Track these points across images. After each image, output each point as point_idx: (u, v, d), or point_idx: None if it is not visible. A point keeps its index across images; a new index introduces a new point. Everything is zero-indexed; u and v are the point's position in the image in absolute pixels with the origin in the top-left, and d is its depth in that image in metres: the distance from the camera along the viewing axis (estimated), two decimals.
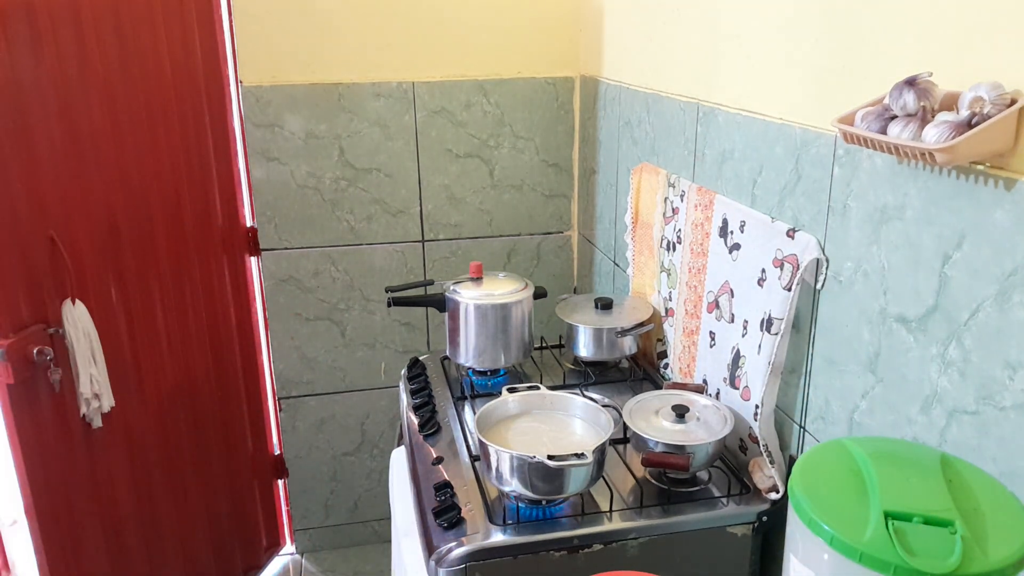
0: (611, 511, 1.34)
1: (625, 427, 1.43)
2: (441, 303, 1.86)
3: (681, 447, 1.35)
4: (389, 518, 1.90)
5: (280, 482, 2.64)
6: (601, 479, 1.37)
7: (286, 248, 2.39)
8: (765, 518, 1.35)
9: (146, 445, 2.01)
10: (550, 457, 1.25)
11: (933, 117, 0.93)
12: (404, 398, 1.87)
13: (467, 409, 1.72)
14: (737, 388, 1.47)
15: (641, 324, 1.81)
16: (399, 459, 1.77)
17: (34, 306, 1.64)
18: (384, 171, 2.39)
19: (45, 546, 1.69)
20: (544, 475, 1.27)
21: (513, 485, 1.30)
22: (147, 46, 1.92)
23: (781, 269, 1.31)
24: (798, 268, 1.27)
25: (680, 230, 1.69)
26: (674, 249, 1.73)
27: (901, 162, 1.06)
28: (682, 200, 1.67)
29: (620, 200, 2.13)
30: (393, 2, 2.26)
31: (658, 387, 1.69)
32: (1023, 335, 0.90)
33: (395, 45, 2.29)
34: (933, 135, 0.89)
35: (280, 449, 2.60)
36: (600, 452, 1.31)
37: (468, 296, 1.81)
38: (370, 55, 2.29)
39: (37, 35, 1.61)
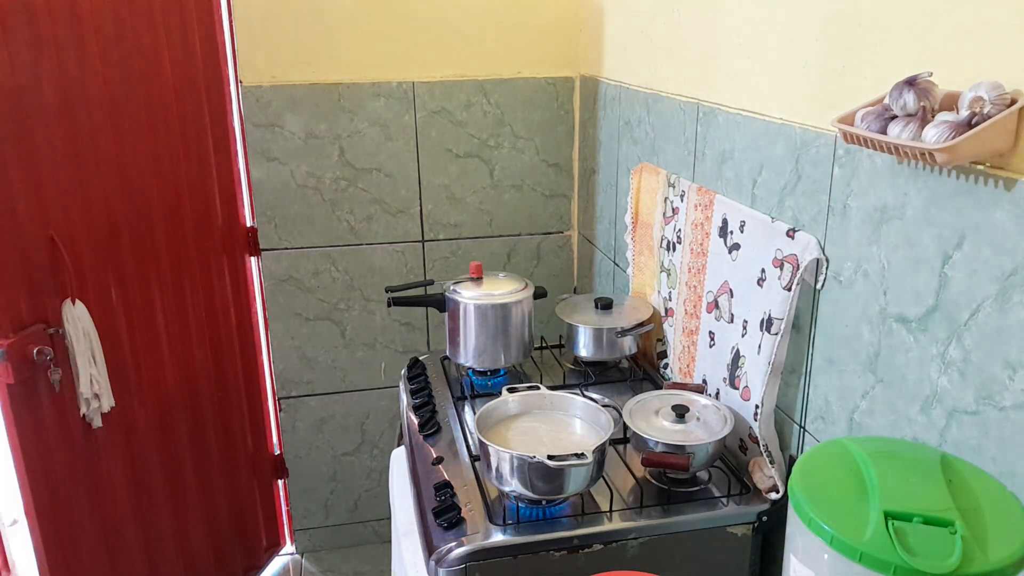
0: (611, 511, 1.34)
1: (625, 427, 1.43)
2: (441, 303, 1.86)
3: (681, 447, 1.35)
4: (389, 518, 1.90)
5: (280, 482, 2.64)
6: (601, 479, 1.37)
7: (286, 248, 2.39)
8: (765, 518, 1.35)
9: (146, 445, 2.01)
10: (550, 457, 1.25)
11: (933, 117, 0.93)
12: (404, 398, 1.87)
13: (467, 409, 1.72)
14: (737, 388, 1.47)
15: (641, 324, 1.81)
16: (399, 459, 1.77)
17: (34, 306, 1.64)
18: (384, 171, 2.39)
19: (45, 546, 1.69)
20: (544, 475, 1.27)
21: (513, 485, 1.30)
22: (147, 46, 1.92)
23: (781, 269, 1.31)
24: (798, 268, 1.27)
25: (680, 230, 1.69)
26: (674, 249, 1.73)
27: (901, 162, 1.06)
28: (682, 200, 1.67)
29: (620, 200, 2.13)
30: (393, 2, 2.26)
31: (658, 387, 1.69)
32: (1023, 335, 0.90)
33: (395, 45, 2.29)
34: (933, 135, 0.89)
35: (280, 449, 2.60)
36: (600, 452, 1.31)
37: (468, 296, 1.81)
38: (370, 55, 2.29)
39: (37, 35, 1.61)
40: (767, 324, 1.34)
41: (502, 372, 1.89)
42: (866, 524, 0.80)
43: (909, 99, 0.94)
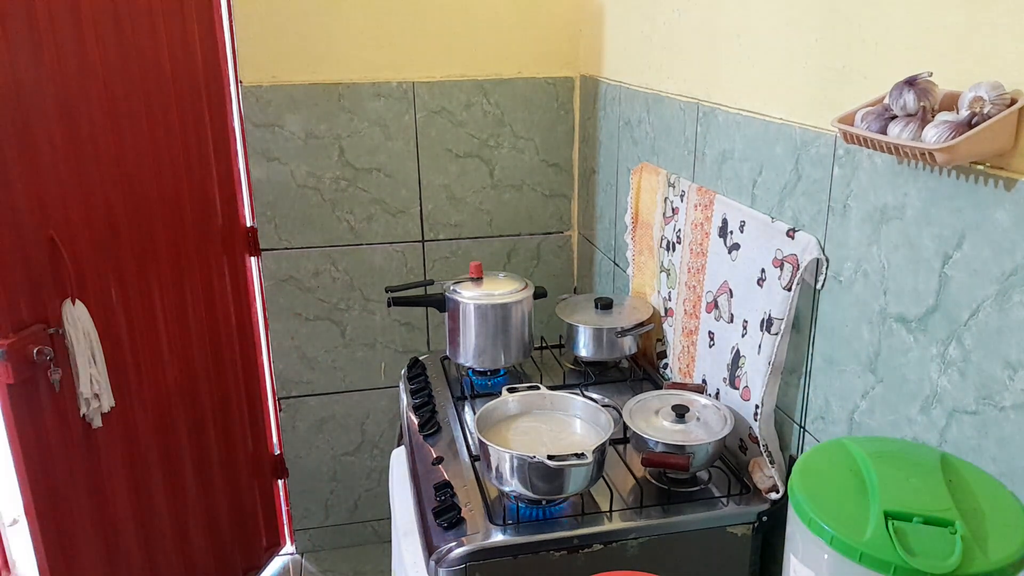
0: (611, 511, 1.34)
1: (625, 427, 1.43)
2: (441, 303, 1.86)
3: (681, 447, 1.35)
4: (389, 518, 1.90)
5: (280, 482, 2.64)
6: (601, 479, 1.37)
7: (286, 248, 2.39)
8: (765, 518, 1.35)
9: (146, 445, 2.01)
10: (550, 457, 1.25)
11: (933, 117, 0.93)
12: (404, 398, 1.87)
13: (467, 409, 1.72)
14: (737, 388, 1.47)
15: (641, 324, 1.81)
16: (399, 459, 1.77)
17: (34, 306, 1.64)
18: (384, 171, 2.39)
19: (45, 545, 1.69)
20: (544, 475, 1.27)
21: (513, 485, 1.30)
22: (147, 46, 1.92)
23: (781, 269, 1.31)
24: (798, 268, 1.27)
25: (680, 230, 1.69)
26: (673, 249, 1.73)
27: (901, 162, 1.06)
28: (682, 200, 1.67)
29: (620, 200, 2.13)
30: (393, 2, 2.26)
31: (658, 387, 1.69)
32: (1023, 335, 0.90)
33: (395, 45, 2.29)
34: (933, 135, 0.89)
35: (280, 449, 2.60)
36: (600, 452, 1.31)
37: (468, 296, 1.81)
38: (370, 55, 2.29)
39: (37, 35, 1.61)
40: (767, 324, 1.34)
41: (502, 372, 1.89)
42: (866, 524, 0.80)
43: (909, 99, 0.94)
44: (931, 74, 0.96)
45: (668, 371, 1.81)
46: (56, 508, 1.72)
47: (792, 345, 1.35)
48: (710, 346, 1.58)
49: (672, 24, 1.73)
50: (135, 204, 1.93)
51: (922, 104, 0.94)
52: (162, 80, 1.98)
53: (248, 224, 2.38)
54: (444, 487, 1.40)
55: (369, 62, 2.29)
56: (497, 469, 1.31)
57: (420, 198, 2.44)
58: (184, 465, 2.17)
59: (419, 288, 1.97)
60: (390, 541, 1.95)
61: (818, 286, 1.27)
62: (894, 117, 0.97)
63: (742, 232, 1.44)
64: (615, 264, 2.20)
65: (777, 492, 1.36)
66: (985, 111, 0.87)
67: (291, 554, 2.71)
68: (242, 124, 2.28)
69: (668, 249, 1.76)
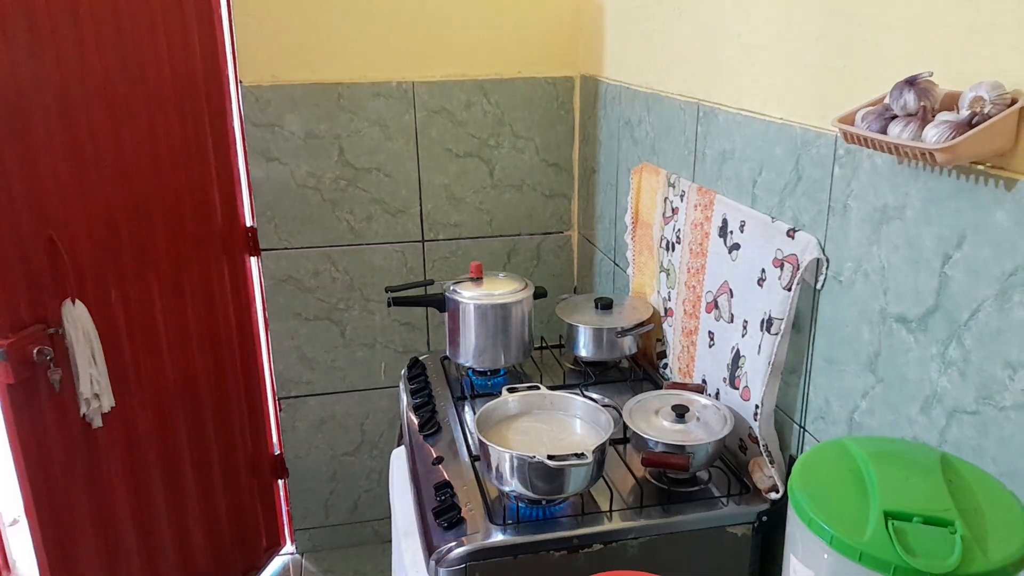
0: (611, 511, 1.34)
1: (625, 427, 1.43)
2: (441, 303, 1.86)
3: (681, 447, 1.35)
4: (389, 518, 1.90)
5: (280, 482, 2.64)
6: (601, 479, 1.37)
7: (286, 248, 2.39)
8: (765, 518, 1.35)
9: (146, 445, 2.01)
10: (550, 457, 1.25)
11: (933, 117, 0.93)
12: (404, 398, 1.87)
13: (467, 409, 1.72)
14: (737, 388, 1.47)
15: (641, 324, 1.81)
16: (399, 459, 1.77)
17: (34, 306, 1.64)
18: (384, 171, 2.39)
19: (45, 545, 1.69)
20: (544, 475, 1.27)
21: (513, 485, 1.30)
22: (147, 46, 1.92)
23: (781, 269, 1.31)
24: (798, 268, 1.27)
25: (680, 230, 1.69)
26: (673, 249, 1.73)
27: (901, 162, 1.06)
28: (682, 200, 1.67)
29: (620, 200, 2.13)
30: (393, 2, 2.26)
31: (658, 387, 1.69)
32: (1023, 335, 0.90)
33: (395, 45, 2.29)
34: (933, 135, 0.89)
35: (280, 449, 2.60)
36: (600, 452, 1.31)
37: (468, 296, 1.81)
38: (370, 55, 2.29)
39: (37, 35, 1.61)
40: (767, 324, 1.34)
41: (502, 372, 1.89)
42: (866, 524, 0.80)
43: (909, 99, 0.94)
44: (931, 74, 0.96)
45: (668, 371, 1.81)
46: (56, 508, 1.72)
47: (792, 345, 1.35)
48: (710, 346, 1.58)
49: (672, 24, 1.73)
50: (135, 204, 1.93)
51: (922, 104, 0.94)
52: (162, 80, 1.98)
53: (248, 224, 2.38)
54: (444, 487, 1.40)
55: (369, 62, 2.29)
56: (497, 469, 1.31)
57: (420, 198, 2.44)
58: (184, 465, 2.17)
59: (419, 288, 1.97)
60: (390, 541, 1.95)
61: (818, 286, 1.27)
62: (894, 117, 0.97)
63: (742, 232, 1.44)
64: (615, 264, 2.20)
65: (777, 492, 1.36)
66: (985, 111, 0.87)
67: (291, 554, 2.71)
68: (242, 124, 2.28)
69: (668, 249, 1.76)
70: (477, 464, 1.48)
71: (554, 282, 2.59)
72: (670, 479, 1.41)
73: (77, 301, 1.71)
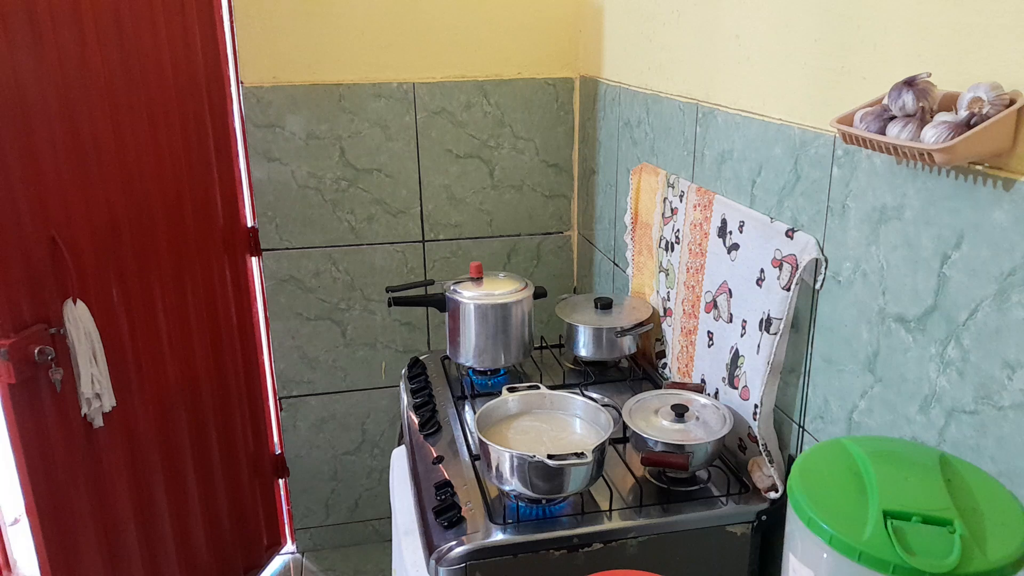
0: (611, 510, 1.34)
1: (625, 427, 1.43)
2: (441, 303, 1.87)
3: (680, 446, 1.35)
4: (390, 517, 1.90)
5: (281, 481, 2.65)
6: (601, 478, 1.37)
7: (287, 248, 2.40)
8: (764, 517, 1.35)
9: (147, 444, 2.02)
10: (550, 456, 1.25)
11: (932, 117, 0.93)
12: (404, 397, 1.88)
13: (467, 408, 1.72)
14: (736, 388, 1.47)
15: (641, 324, 1.81)
16: (399, 458, 1.77)
17: (35, 306, 1.64)
18: (385, 171, 2.39)
19: (46, 545, 1.69)
20: (544, 474, 1.27)
21: (513, 484, 1.30)
22: (148, 46, 1.93)
23: (780, 269, 1.31)
24: (797, 268, 1.27)
25: (679, 230, 1.69)
26: (672, 249, 1.73)
27: (900, 162, 1.07)
28: (681, 200, 1.68)
29: (620, 200, 2.13)
30: (393, 2, 2.26)
31: (658, 387, 1.70)
32: (1022, 335, 0.90)
33: (395, 45, 2.30)
34: (932, 135, 0.90)
35: (281, 448, 2.60)
36: (600, 451, 1.31)
37: (468, 296, 1.81)
38: (371, 56, 2.29)
39: (38, 35, 1.62)
40: (766, 324, 1.34)
41: (502, 372, 1.89)
42: (865, 523, 0.80)
43: (908, 99, 0.95)
44: (930, 74, 0.96)
45: (667, 371, 1.81)
46: (57, 507, 1.73)
47: (791, 345, 1.36)
48: (709, 346, 1.58)
49: (671, 25, 1.73)
50: (136, 204, 1.93)
51: (921, 104, 0.94)
52: (163, 80, 1.98)
53: (249, 224, 2.38)
54: (444, 486, 1.41)
55: (370, 63, 2.29)
56: (497, 468, 1.32)
57: (420, 198, 2.44)
58: (185, 464, 2.18)
59: (419, 288, 1.97)
60: (391, 540, 1.95)
61: (817, 286, 1.27)
62: (893, 117, 0.97)
63: (741, 232, 1.44)
64: (615, 264, 2.21)
65: (776, 491, 1.36)
66: (984, 111, 0.87)
67: (292, 553, 2.71)
68: (243, 124, 2.28)
69: (667, 249, 1.76)
70: (477, 463, 1.48)
71: (554, 282, 2.60)
72: (670, 478, 1.41)
73: (78, 301, 1.72)
